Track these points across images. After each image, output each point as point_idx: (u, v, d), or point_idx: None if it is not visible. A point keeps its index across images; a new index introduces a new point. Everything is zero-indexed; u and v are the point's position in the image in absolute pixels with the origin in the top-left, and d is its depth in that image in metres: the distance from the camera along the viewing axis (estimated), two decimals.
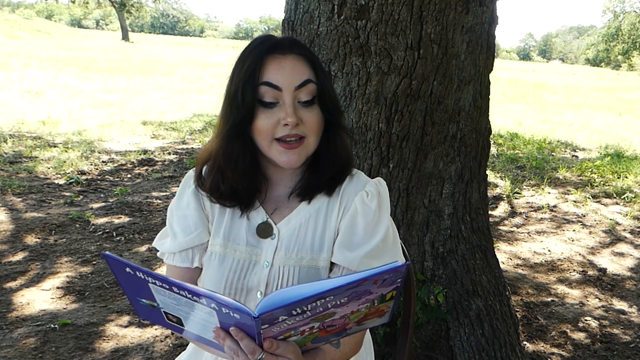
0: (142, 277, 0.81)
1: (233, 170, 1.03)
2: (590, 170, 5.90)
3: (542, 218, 4.28)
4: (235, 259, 1.07)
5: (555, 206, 4.61)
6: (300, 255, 1.05)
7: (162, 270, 2.95)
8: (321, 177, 1.06)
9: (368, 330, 1.26)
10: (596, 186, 5.30)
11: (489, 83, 2.10)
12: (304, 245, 1.05)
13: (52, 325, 2.33)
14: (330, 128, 1.04)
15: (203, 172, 1.09)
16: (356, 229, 1.04)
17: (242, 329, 0.82)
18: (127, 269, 0.81)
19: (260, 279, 1.05)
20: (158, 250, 1.14)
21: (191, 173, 1.12)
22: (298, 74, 0.97)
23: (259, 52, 0.98)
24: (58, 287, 2.69)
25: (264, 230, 1.07)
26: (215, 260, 1.08)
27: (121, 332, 2.33)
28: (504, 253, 3.47)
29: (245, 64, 0.98)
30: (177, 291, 0.80)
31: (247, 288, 1.05)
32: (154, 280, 0.80)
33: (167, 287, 0.80)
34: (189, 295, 0.79)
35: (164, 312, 0.88)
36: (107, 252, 0.80)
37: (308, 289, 0.77)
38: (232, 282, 1.06)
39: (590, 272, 3.25)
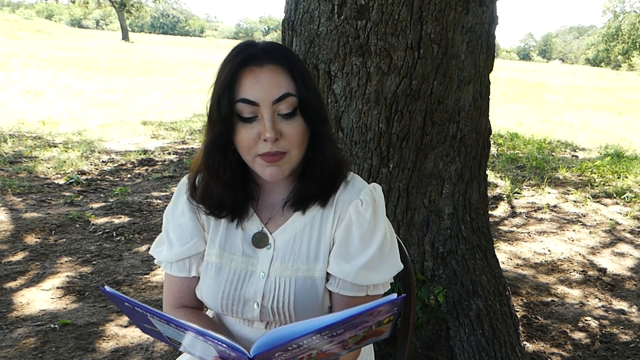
0: (141, 312, 0.82)
1: (216, 183, 1.02)
2: (590, 170, 5.90)
3: (542, 218, 4.28)
4: (232, 270, 1.06)
5: (555, 206, 4.61)
6: (296, 266, 1.03)
7: (163, 271, 2.95)
8: (311, 185, 1.03)
9: None
10: (596, 186, 5.30)
11: (489, 83, 2.10)
12: (299, 256, 1.04)
13: (52, 325, 2.33)
14: (316, 136, 1.01)
15: (197, 182, 1.07)
16: (351, 239, 1.02)
17: None
18: (126, 304, 0.82)
19: (257, 290, 1.03)
20: (155, 258, 1.13)
21: (185, 180, 1.10)
22: (275, 87, 0.93)
23: (234, 65, 0.94)
24: (58, 287, 2.69)
25: (260, 240, 1.05)
26: (212, 270, 1.06)
27: (121, 332, 2.33)
28: (504, 253, 3.47)
29: (222, 77, 0.95)
30: (175, 327, 0.81)
31: (244, 299, 1.04)
32: (152, 316, 0.82)
33: (165, 322, 0.82)
34: (186, 332, 0.81)
35: (166, 336, 0.89)
36: (105, 287, 0.80)
37: (303, 327, 0.77)
38: (229, 293, 1.04)
39: (591, 272, 3.25)
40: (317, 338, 0.77)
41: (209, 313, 1.20)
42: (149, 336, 2.31)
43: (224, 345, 0.79)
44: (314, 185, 1.03)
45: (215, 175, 1.01)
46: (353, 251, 1.02)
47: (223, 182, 1.01)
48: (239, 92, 0.94)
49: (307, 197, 1.04)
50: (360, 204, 1.02)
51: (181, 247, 1.07)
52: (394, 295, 0.75)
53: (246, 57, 0.95)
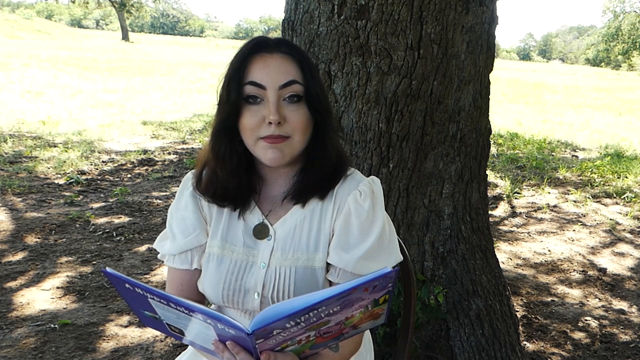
0: (142, 293, 0.82)
1: (222, 169, 1.04)
2: (590, 170, 5.90)
3: (542, 218, 4.28)
4: (233, 260, 1.07)
5: (555, 206, 4.61)
6: (296, 255, 1.05)
7: (162, 271, 2.95)
8: (313, 179, 1.06)
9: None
10: (596, 186, 5.30)
11: (489, 83, 2.10)
12: (299, 246, 1.06)
13: (52, 325, 2.33)
14: (320, 127, 1.04)
15: (203, 174, 1.10)
16: (350, 229, 1.04)
17: (238, 342, 0.83)
18: (127, 285, 0.82)
19: (257, 280, 1.05)
20: (158, 252, 1.15)
21: (190, 175, 1.13)
22: (283, 74, 0.98)
23: (246, 51, 0.99)
24: (58, 287, 2.69)
25: (261, 232, 1.07)
26: (213, 261, 1.08)
27: (121, 332, 2.33)
28: (504, 253, 3.47)
29: (233, 62, 1.00)
30: (175, 307, 0.81)
31: (244, 289, 1.06)
32: (152, 296, 0.82)
33: (165, 302, 0.82)
34: (186, 311, 0.81)
35: (166, 323, 0.89)
36: (106, 269, 0.81)
37: (299, 302, 0.78)
38: (230, 283, 1.06)
39: (591, 272, 3.25)
40: (314, 315, 0.77)
41: (211, 308, 1.21)
42: (149, 336, 2.32)
43: (223, 323, 0.79)
44: (315, 179, 1.06)
45: (221, 161, 1.04)
46: (352, 241, 1.04)
47: (229, 168, 1.04)
48: (248, 75, 0.98)
49: (307, 191, 1.06)
50: (359, 194, 1.05)
51: (184, 240, 1.09)
52: (388, 269, 0.76)
53: (258, 43, 1.00)
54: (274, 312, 0.79)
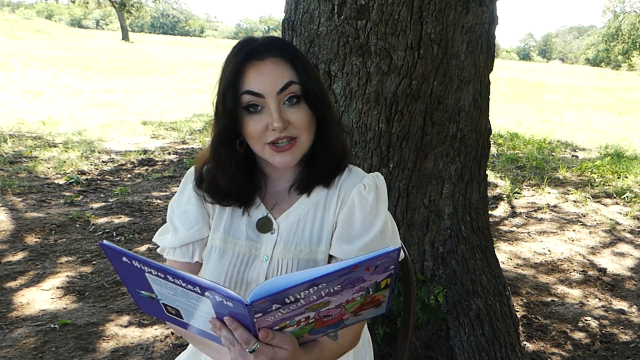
0: (139, 266, 0.81)
1: (223, 175, 1.05)
2: (590, 170, 5.90)
3: (542, 218, 4.28)
4: (235, 253, 1.08)
5: (555, 206, 4.61)
6: (299, 248, 1.06)
7: None
8: (318, 170, 1.07)
9: (367, 328, 1.27)
10: (596, 186, 5.30)
11: (489, 83, 2.10)
12: (302, 239, 1.07)
13: (52, 325, 2.33)
14: (322, 123, 1.05)
15: (204, 173, 1.10)
16: (354, 221, 1.05)
17: (236, 318, 0.82)
18: (124, 258, 0.81)
19: (260, 273, 1.06)
20: (158, 247, 1.15)
21: (192, 170, 1.14)
22: (279, 78, 0.97)
23: (237, 61, 0.98)
24: (58, 287, 2.69)
25: (264, 225, 1.08)
26: (215, 254, 1.09)
27: (121, 332, 2.33)
28: (504, 253, 3.47)
29: (226, 73, 0.99)
30: (172, 280, 0.79)
31: (246, 282, 1.07)
32: (149, 270, 0.80)
33: (162, 276, 0.80)
34: (184, 284, 0.79)
35: (162, 304, 0.88)
36: (104, 242, 0.80)
37: (300, 276, 0.77)
38: (232, 276, 1.07)
39: (591, 272, 3.25)
40: (314, 292, 0.77)
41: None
42: (148, 336, 2.32)
43: (220, 294, 0.78)
44: (320, 170, 1.07)
45: (221, 168, 1.05)
46: (354, 233, 1.05)
47: (229, 174, 1.05)
48: (244, 85, 0.97)
49: (312, 180, 1.07)
50: (363, 188, 1.06)
51: (185, 232, 1.09)
52: (390, 248, 0.76)
53: (248, 52, 0.98)
54: (273, 285, 0.77)
